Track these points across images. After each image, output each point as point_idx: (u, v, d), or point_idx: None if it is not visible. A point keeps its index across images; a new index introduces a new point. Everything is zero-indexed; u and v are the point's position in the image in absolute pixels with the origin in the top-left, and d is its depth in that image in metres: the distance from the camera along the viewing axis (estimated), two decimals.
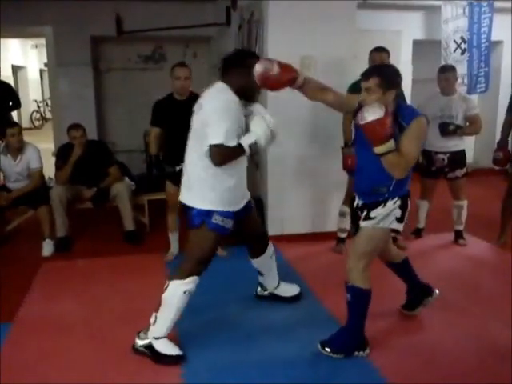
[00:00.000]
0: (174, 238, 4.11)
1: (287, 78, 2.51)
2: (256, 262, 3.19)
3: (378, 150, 2.37)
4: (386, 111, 2.32)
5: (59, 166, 4.43)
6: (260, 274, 3.26)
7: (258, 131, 2.54)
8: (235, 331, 2.92)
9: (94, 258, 4.17)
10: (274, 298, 3.29)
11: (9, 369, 2.55)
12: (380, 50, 3.98)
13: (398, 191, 2.55)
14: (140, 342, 2.66)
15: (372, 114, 2.31)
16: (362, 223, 2.62)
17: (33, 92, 15.32)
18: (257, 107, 2.69)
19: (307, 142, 4.35)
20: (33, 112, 14.97)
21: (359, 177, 2.68)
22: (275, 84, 2.52)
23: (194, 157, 2.64)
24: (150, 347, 2.62)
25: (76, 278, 3.78)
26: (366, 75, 2.45)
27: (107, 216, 4.87)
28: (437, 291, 3.07)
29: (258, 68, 2.46)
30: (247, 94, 2.60)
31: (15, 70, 13.59)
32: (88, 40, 6.01)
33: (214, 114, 2.49)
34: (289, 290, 3.32)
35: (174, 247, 4.12)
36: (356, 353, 2.63)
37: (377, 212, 2.55)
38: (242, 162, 2.71)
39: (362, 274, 2.57)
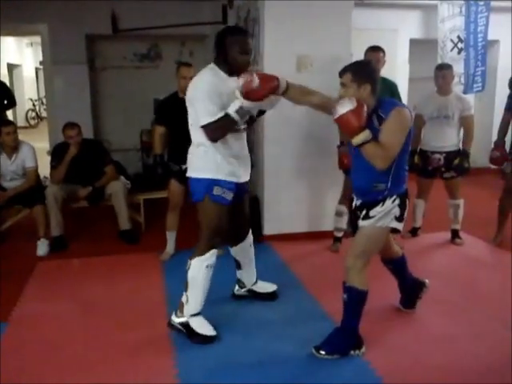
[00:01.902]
0: (171, 237, 4.09)
1: (268, 87, 2.55)
2: (235, 251, 3.21)
3: (355, 140, 2.40)
4: (358, 103, 2.38)
5: (54, 164, 4.40)
6: (238, 267, 3.26)
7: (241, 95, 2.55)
8: (230, 330, 2.90)
9: (90, 257, 4.15)
10: (253, 296, 3.30)
11: (4, 368, 2.53)
12: (375, 49, 3.98)
13: (395, 189, 2.55)
14: (177, 320, 2.84)
15: (343, 107, 2.37)
16: (361, 222, 2.61)
17: (28, 90, 15.25)
18: None
19: (304, 141, 4.35)
20: (28, 110, 14.91)
21: (356, 176, 2.68)
22: (257, 95, 2.54)
23: (195, 137, 2.80)
24: (186, 325, 2.80)
25: (71, 277, 3.76)
26: (341, 72, 2.54)
27: (103, 215, 4.85)
28: (427, 281, 3.08)
29: (240, 82, 2.54)
30: (234, 69, 2.67)
31: (10, 68, 13.54)
32: (83, 38, 5.99)
33: (195, 98, 2.66)
34: (267, 287, 3.33)
35: (170, 246, 4.09)
36: (352, 352, 2.62)
37: (376, 211, 2.55)
38: (239, 137, 2.81)
39: (360, 274, 2.56)
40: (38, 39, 6.45)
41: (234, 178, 2.77)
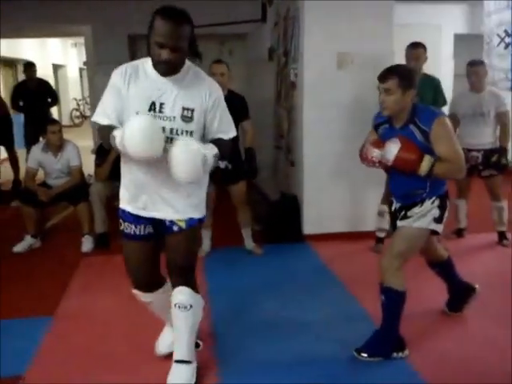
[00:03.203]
0: (206, 235, 4.12)
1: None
2: (150, 297, 2.46)
3: (423, 172, 2.36)
4: (399, 139, 2.36)
5: (98, 163, 4.50)
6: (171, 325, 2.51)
7: (126, 129, 1.90)
8: (272, 330, 2.90)
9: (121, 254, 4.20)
10: None
11: (48, 362, 2.61)
12: (416, 46, 3.90)
13: (435, 191, 2.50)
14: None
15: (390, 150, 2.36)
16: (399, 223, 2.58)
17: (72, 90, 15.68)
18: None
19: (344, 139, 4.28)
20: (72, 110, 15.32)
21: (394, 182, 2.66)
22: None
23: None
24: None
25: (114, 273, 3.81)
26: (383, 76, 2.45)
27: None
28: (477, 286, 2.99)
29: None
30: (154, 65, 2.02)
31: (55, 68, 13.94)
32: (126, 38, 6.10)
33: None
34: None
35: (206, 244, 4.13)
36: (394, 354, 2.58)
37: (413, 211, 2.51)
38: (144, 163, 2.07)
39: (397, 275, 2.51)
40: (82, 40, 6.62)
41: (131, 208, 2.20)
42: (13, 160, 6.49)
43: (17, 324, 3.03)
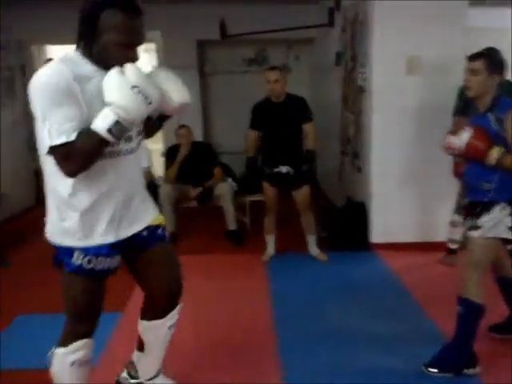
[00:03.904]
0: (270, 240, 4.15)
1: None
2: (143, 327, 2.14)
3: (490, 161, 2.32)
4: (472, 128, 2.35)
5: (167, 165, 4.64)
6: (138, 348, 2.20)
7: (115, 99, 1.58)
8: (337, 339, 2.86)
9: (197, 254, 4.31)
10: None
11: (119, 357, 2.69)
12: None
13: (504, 194, 2.39)
14: None
15: (461, 137, 2.36)
16: (470, 233, 2.48)
17: None
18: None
19: (415, 145, 4.17)
20: None
21: (467, 170, 2.61)
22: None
23: (45, 169, 1.78)
24: None
25: (183, 272, 3.92)
26: (473, 57, 2.45)
27: (211, 215, 5.02)
28: None
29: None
30: (109, 64, 1.64)
31: None
32: (194, 44, 6.23)
33: (34, 104, 1.62)
34: None
35: (271, 248, 4.16)
36: (465, 370, 2.47)
37: (483, 221, 2.41)
38: (114, 163, 1.75)
39: (477, 287, 2.42)
40: (152, 46, 6.82)
41: (105, 238, 1.83)
42: None
43: None
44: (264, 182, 3.97)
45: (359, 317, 3.13)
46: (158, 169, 5.25)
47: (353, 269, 3.93)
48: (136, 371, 2.21)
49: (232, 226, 4.61)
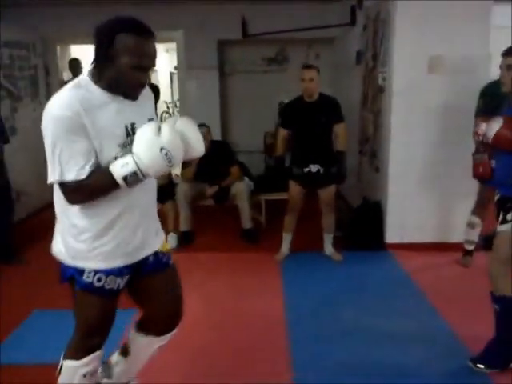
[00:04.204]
0: (286, 239, 4.14)
1: None
2: (134, 337, 2.09)
3: None
4: (502, 118, 2.34)
5: (185, 164, 4.65)
6: (122, 352, 2.13)
7: (142, 155, 1.60)
8: (350, 338, 2.85)
9: (213, 252, 4.32)
10: None
11: None
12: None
13: None
14: None
15: (491, 127, 2.34)
16: (499, 227, 2.44)
17: (163, 94, 16.32)
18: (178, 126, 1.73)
19: (433, 146, 4.12)
20: (162, 112, 15.97)
21: (497, 166, 2.60)
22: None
23: (55, 192, 1.79)
24: None
25: (196, 270, 3.95)
26: (508, 52, 2.46)
27: (227, 213, 5.04)
28: None
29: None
30: (121, 88, 1.66)
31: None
32: (215, 44, 6.26)
33: (45, 133, 1.61)
34: None
35: (285, 247, 4.15)
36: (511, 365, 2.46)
37: None
38: (126, 189, 1.67)
39: (507, 281, 2.37)
40: (173, 46, 6.87)
41: (121, 261, 1.82)
42: None
43: None
44: (291, 181, 3.96)
45: (373, 317, 3.10)
46: (176, 167, 5.27)
47: (367, 269, 3.90)
48: (110, 372, 2.15)
49: (247, 224, 4.61)
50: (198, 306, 3.29)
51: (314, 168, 3.83)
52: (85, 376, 1.89)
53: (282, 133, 3.98)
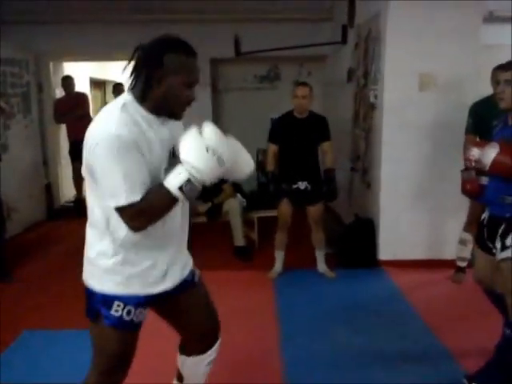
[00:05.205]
0: (279, 256, 4.12)
1: None
2: (181, 361, 2.05)
3: None
4: (498, 143, 2.25)
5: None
6: (178, 378, 2.11)
7: (190, 159, 1.55)
8: (343, 358, 2.82)
9: (205, 270, 4.25)
10: None
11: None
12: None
13: None
14: None
15: (488, 153, 2.22)
16: (500, 255, 2.34)
17: None
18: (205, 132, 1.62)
19: (425, 162, 4.15)
20: None
21: (490, 184, 2.52)
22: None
23: (94, 212, 1.68)
24: None
25: None
26: (506, 66, 2.41)
27: (219, 231, 5.01)
28: None
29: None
30: (169, 108, 1.66)
31: None
32: (208, 61, 6.30)
33: (97, 156, 1.53)
34: None
35: (278, 265, 4.13)
36: None
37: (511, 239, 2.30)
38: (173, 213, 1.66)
39: None
40: None
41: (151, 289, 1.74)
42: None
43: None
44: (282, 197, 3.95)
45: (366, 335, 3.08)
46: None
47: (360, 286, 3.88)
48: None
49: (240, 242, 4.59)
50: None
51: (302, 185, 3.84)
52: None
53: (272, 148, 3.97)
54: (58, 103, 6.45)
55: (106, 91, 10.65)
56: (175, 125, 1.75)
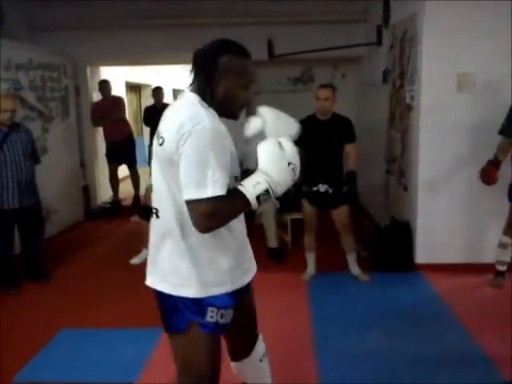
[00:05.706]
0: (310, 259, 4.10)
1: None
2: (235, 368, 2.03)
3: None
4: None
5: None
6: None
7: (273, 173, 1.56)
8: (378, 362, 2.77)
9: None
10: None
11: (157, 374, 2.69)
12: None
13: None
14: None
15: None
16: None
17: None
18: (263, 116, 1.74)
19: (463, 164, 4.05)
20: None
21: None
22: None
23: (165, 212, 1.64)
24: None
25: None
26: None
27: (253, 233, 5.00)
28: None
29: None
30: (229, 109, 1.67)
31: (175, 93, 14.87)
32: None
33: (189, 146, 1.48)
34: None
35: (311, 267, 4.11)
36: None
37: None
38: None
39: None
40: None
41: (234, 285, 1.72)
42: (134, 178, 6.96)
43: (127, 334, 3.17)
44: (303, 199, 3.94)
45: (402, 339, 3.03)
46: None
47: (396, 289, 3.82)
48: None
49: (273, 243, 4.59)
50: None
51: (322, 188, 3.80)
52: None
53: None
54: (96, 106, 6.61)
55: (141, 95, 10.84)
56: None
